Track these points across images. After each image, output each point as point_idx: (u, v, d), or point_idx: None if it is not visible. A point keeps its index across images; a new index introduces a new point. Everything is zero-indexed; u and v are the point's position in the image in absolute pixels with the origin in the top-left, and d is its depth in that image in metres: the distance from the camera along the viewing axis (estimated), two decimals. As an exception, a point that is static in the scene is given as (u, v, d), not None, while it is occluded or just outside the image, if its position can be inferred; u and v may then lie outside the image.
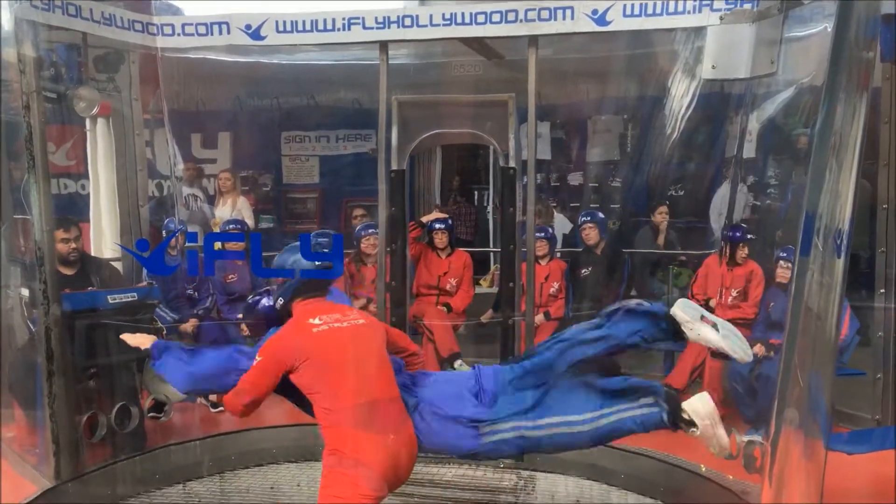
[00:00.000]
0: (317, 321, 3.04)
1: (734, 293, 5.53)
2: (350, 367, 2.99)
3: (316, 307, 3.13)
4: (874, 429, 5.02)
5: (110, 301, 4.59)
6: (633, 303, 3.21)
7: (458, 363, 5.89)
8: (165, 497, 4.53)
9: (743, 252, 5.51)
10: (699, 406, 3.06)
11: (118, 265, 5.36)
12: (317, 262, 3.12)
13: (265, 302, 3.33)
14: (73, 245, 4.80)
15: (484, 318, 5.95)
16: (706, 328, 3.02)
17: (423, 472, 4.66)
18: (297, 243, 3.16)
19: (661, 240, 6.88)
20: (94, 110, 5.23)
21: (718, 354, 3.46)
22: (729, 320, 5.38)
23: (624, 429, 3.11)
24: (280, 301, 3.16)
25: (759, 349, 5.17)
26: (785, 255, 5.21)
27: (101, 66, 5.43)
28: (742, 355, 3.07)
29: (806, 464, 3.13)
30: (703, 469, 4.30)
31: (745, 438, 3.93)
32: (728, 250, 5.58)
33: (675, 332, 3.07)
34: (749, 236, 5.59)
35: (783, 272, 5.23)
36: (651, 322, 3.11)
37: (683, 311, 3.05)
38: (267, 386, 3.04)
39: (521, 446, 3.12)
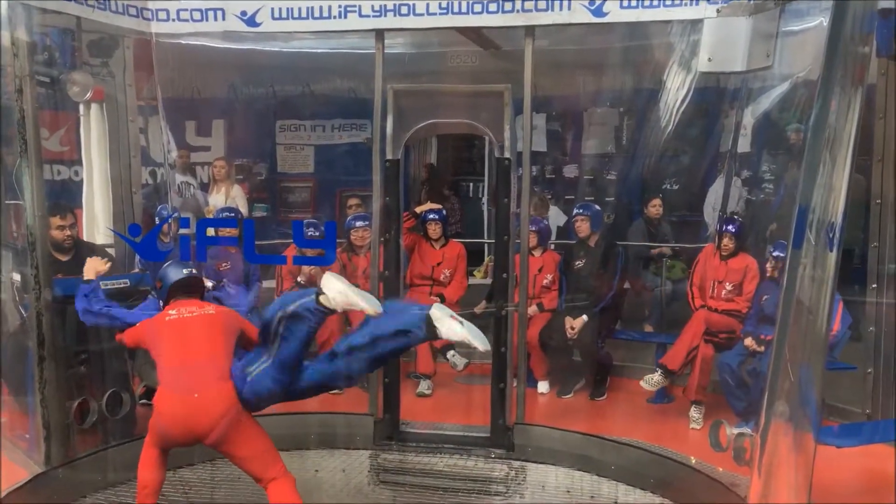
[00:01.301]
0: (172, 312, 3.87)
1: (729, 286, 5.54)
2: (179, 341, 3.73)
3: (177, 304, 3.93)
4: (864, 423, 5.05)
5: (103, 287, 4.56)
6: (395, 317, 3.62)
7: (450, 353, 5.90)
8: (156, 484, 4.52)
9: (730, 243, 5.51)
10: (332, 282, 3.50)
11: (111, 251, 5.34)
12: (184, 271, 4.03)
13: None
14: (69, 232, 4.79)
15: (477, 309, 5.95)
16: (454, 322, 3.43)
17: (413, 462, 4.68)
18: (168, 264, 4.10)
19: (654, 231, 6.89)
20: (88, 95, 5.20)
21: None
22: (723, 312, 5.47)
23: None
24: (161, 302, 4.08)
25: (750, 342, 5.20)
26: (773, 250, 5.23)
27: (95, 50, 5.40)
28: (481, 345, 3.46)
29: (795, 457, 3.15)
30: (694, 461, 4.33)
31: (735, 431, 3.96)
32: (718, 241, 5.59)
33: (430, 332, 3.47)
34: (731, 227, 5.57)
35: (773, 268, 5.25)
36: (411, 335, 3.54)
37: (437, 310, 3.48)
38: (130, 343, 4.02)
39: None
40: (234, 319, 3.98)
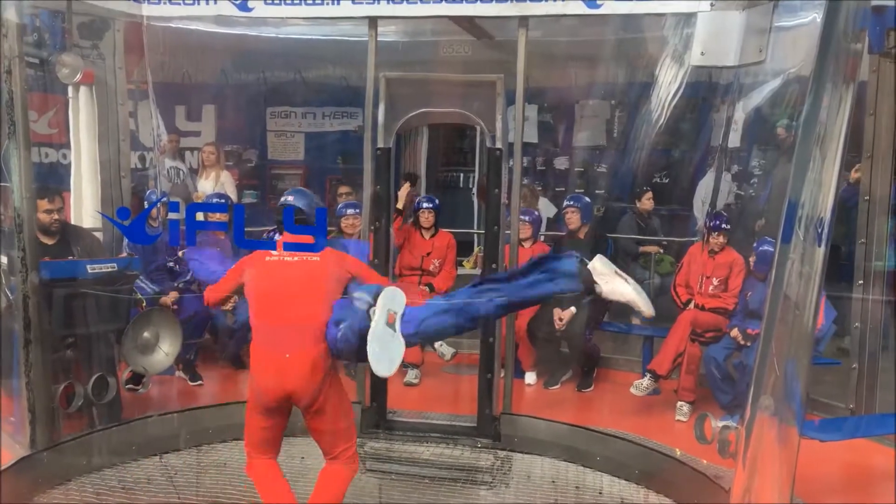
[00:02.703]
0: (275, 253, 3.57)
1: (715, 282, 5.57)
2: (275, 289, 3.52)
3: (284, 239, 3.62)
4: (847, 418, 5.10)
5: (89, 270, 4.55)
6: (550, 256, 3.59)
7: (437, 344, 5.90)
8: (141, 469, 4.52)
9: (718, 240, 5.53)
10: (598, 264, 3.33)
11: (99, 235, 5.31)
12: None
13: None
14: (56, 216, 4.75)
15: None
16: (620, 280, 3.26)
17: (400, 450, 4.68)
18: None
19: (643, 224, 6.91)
20: (77, 77, 5.16)
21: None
22: (710, 310, 5.50)
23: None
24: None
25: (736, 334, 5.23)
26: (757, 246, 5.26)
27: (85, 32, 5.35)
28: (648, 310, 3.34)
29: (779, 450, 3.17)
30: (678, 453, 4.35)
31: (720, 424, 3.98)
32: (707, 237, 5.61)
33: (586, 284, 3.31)
34: (725, 226, 5.60)
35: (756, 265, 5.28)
36: (567, 279, 3.36)
37: (601, 263, 3.30)
38: (226, 289, 3.74)
39: None
40: (342, 267, 3.68)
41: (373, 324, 3.29)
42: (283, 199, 3.69)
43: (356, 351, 3.44)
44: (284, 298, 3.51)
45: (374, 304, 3.36)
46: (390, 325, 3.29)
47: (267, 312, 3.54)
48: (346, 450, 3.67)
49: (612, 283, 3.25)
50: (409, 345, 3.57)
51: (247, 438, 3.73)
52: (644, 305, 3.29)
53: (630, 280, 3.31)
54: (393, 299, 3.37)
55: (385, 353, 3.30)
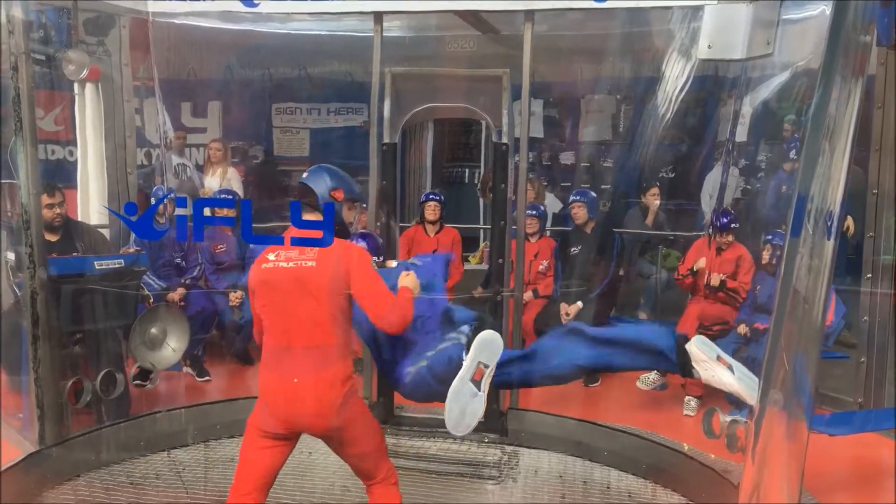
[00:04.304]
0: (271, 257, 3.09)
1: (722, 277, 5.55)
2: (275, 301, 3.07)
3: (286, 237, 3.13)
4: (856, 412, 5.08)
5: (97, 267, 4.56)
6: (645, 331, 3.24)
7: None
8: (150, 464, 4.54)
9: (725, 238, 5.52)
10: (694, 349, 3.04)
11: (106, 232, 5.32)
12: None
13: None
14: (58, 210, 4.75)
15: (476, 294, 5.95)
16: (722, 369, 2.98)
17: (407, 446, 4.69)
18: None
19: (650, 220, 6.89)
20: (83, 74, 5.17)
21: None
22: (725, 291, 5.46)
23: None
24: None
25: (743, 329, 5.22)
26: (771, 238, 5.23)
27: (91, 29, 5.35)
28: (750, 397, 3.02)
29: (788, 444, 3.16)
30: (686, 448, 4.35)
31: (729, 418, 3.97)
32: (714, 236, 5.59)
33: (682, 364, 3.04)
34: (734, 225, 5.58)
35: (769, 256, 5.25)
36: (658, 357, 3.11)
37: (700, 349, 3.01)
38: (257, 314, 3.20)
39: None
40: (339, 267, 3.05)
41: (457, 377, 2.86)
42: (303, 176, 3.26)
43: (433, 395, 3.07)
44: (282, 313, 3.06)
45: (469, 342, 2.90)
46: (476, 381, 2.88)
47: (269, 329, 3.12)
48: (379, 468, 3.29)
49: (713, 370, 2.99)
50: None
51: (236, 473, 3.20)
52: (751, 397, 2.96)
53: (736, 364, 3.03)
54: (489, 349, 2.95)
55: (462, 415, 2.89)
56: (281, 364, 3.04)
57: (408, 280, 3.17)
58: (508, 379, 3.31)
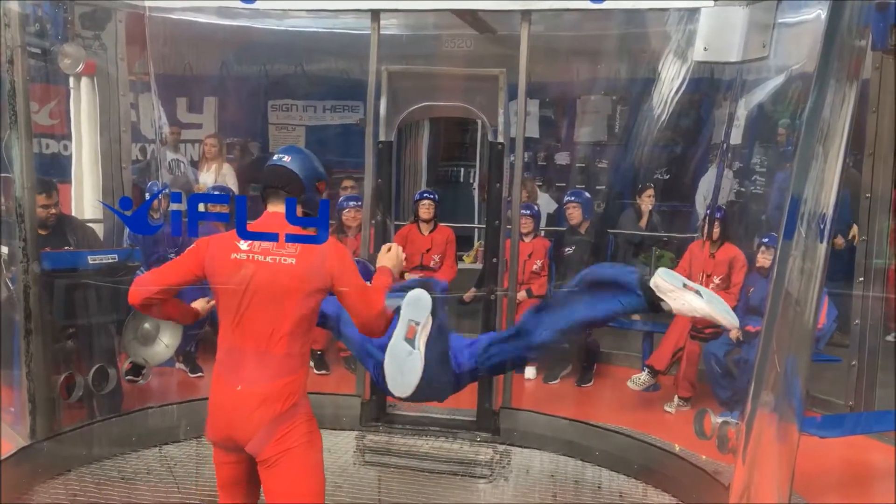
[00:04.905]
0: (243, 246, 2.71)
1: (716, 280, 5.57)
2: (237, 296, 2.70)
3: (260, 225, 2.77)
4: (846, 414, 5.11)
5: (90, 261, 4.55)
6: (606, 272, 3.27)
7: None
8: (141, 459, 4.53)
9: (716, 229, 5.54)
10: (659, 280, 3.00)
11: (100, 226, 5.31)
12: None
13: None
14: (53, 210, 4.75)
15: (467, 297, 5.96)
16: (691, 294, 2.92)
17: (399, 444, 4.69)
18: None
19: (643, 222, 6.90)
20: (79, 68, 5.15)
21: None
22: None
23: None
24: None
25: (735, 332, 5.23)
26: (766, 240, 5.25)
27: (87, 23, 5.34)
28: (729, 320, 3.01)
29: (779, 446, 3.18)
30: (677, 448, 4.36)
31: (720, 419, 3.99)
32: (707, 228, 5.61)
33: (651, 302, 2.99)
34: (717, 214, 5.60)
35: (764, 258, 5.28)
36: (628, 295, 3.07)
37: (665, 279, 2.95)
38: (167, 281, 2.82)
39: None
40: (324, 269, 2.70)
41: (392, 338, 2.84)
42: (275, 157, 2.87)
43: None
44: (244, 311, 2.70)
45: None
46: (409, 339, 2.84)
47: (224, 326, 2.76)
48: None
49: (682, 298, 2.89)
50: (472, 379, 3.32)
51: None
52: (724, 318, 2.94)
53: (704, 291, 2.96)
54: (416, 306, 2.88)
55: (400, 373, 2.84)
56: (228, 367, 2.73)
57: (388, 258, 2.91)
58: (502, 359, 3.34)
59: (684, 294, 2.89)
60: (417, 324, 2.86)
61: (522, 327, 3.32)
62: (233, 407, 2.70)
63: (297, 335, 2.71)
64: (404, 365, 2.86)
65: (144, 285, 2.82)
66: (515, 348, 3.29)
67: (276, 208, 2.77)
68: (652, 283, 2.96)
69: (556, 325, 3.21)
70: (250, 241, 2.70)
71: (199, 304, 3.03)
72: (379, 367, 3.10)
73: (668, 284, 2.93)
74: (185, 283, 2.80)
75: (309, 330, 2.77)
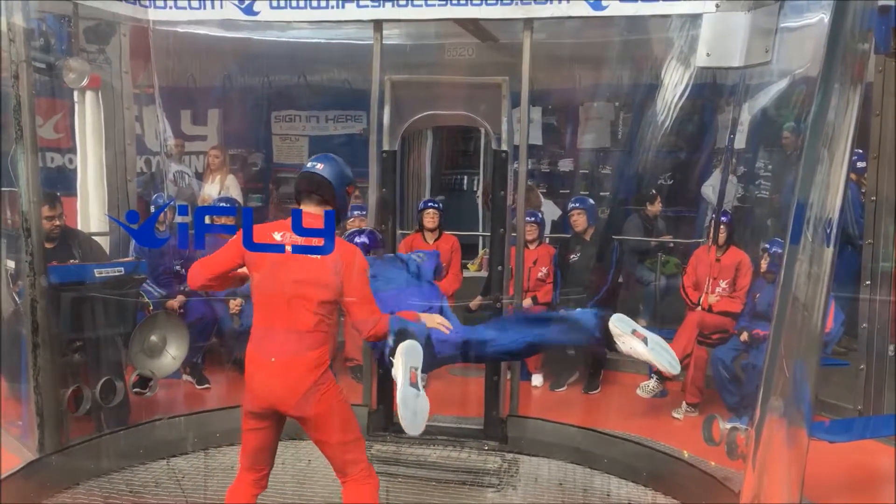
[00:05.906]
0: (277, 236, 3.18)
1: (723, 284, 5.56)
2: (271, 282, 3.18)
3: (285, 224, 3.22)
4: (855, 419, 5.08)
5: (97, 274, 4.56)
6: (574, 313, 3.67)
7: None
8: (149, 472, 4.53)
9: (723, 232, 5.54)
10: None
11: (105, 239, 5.32)
12: None
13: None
14: (57, 222, 4.75)
15: (473, 305, 5.95)
16: (636, 341, 3.28)
17: (407, 453, 4.69)
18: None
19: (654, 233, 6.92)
20: (84, 82, 5.17)
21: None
22: (718, 313, 5.49)
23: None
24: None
25: (745, 337, 5.23)
26: (767, 245, 5.25)
27: (91, 37, 5.36)
28: (668, 368, 3.32)
29: (788, 451, 3.17)
30: (686, 455, 4.34)
31: (728, 425, 3.97)
32: (712, 232, 5.61)
33: (607, 340, 3.37)
34: (724, 217, 5.61)
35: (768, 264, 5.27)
36: (587, 335, 3.46)
37: (616, 325, 3.33)
38: (221, 266, 3.26)
39: None
40: (338, 270, 3.17)
41: (399, 387, 3.10)
42: (310, 164, 3.33)
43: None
44: (276, 294, 3.18)
45: (392, 350, 3.18)
46: (413, 384, 3.10)
47: (259, 309, 3.25)
48: (355, 463, 3.32)
49: (629, 343, 3.29)
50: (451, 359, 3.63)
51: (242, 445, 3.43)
52: (663, 364, 3.28)
53: (651, 337, 3.31)
54: (412, 354, 3.16)
55: (413, 416, 3.09)
56: (262, 343, 3.20)
57: (429, 318, 3.53)
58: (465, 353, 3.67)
59: (631, 340, 3.28)
60: (416, 369, 3.16)
61: (493, 330, 3.71)
62: (269, 375, 3.18)
63: (320, 317, 3.17)
64: (416, 407, 3.12)
65: (200, 272, 3.27)
66: (480, 350, 3.63)
67: (309, 209, 3.23)
68: (610, 325, 3.34)
69: (525, 338, 3.54)
70: (283, 233, 3.16)
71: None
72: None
73: (617, 330, 3.32)
74: (231, 269, 3.26)
75: (333, 311, 3.23)
